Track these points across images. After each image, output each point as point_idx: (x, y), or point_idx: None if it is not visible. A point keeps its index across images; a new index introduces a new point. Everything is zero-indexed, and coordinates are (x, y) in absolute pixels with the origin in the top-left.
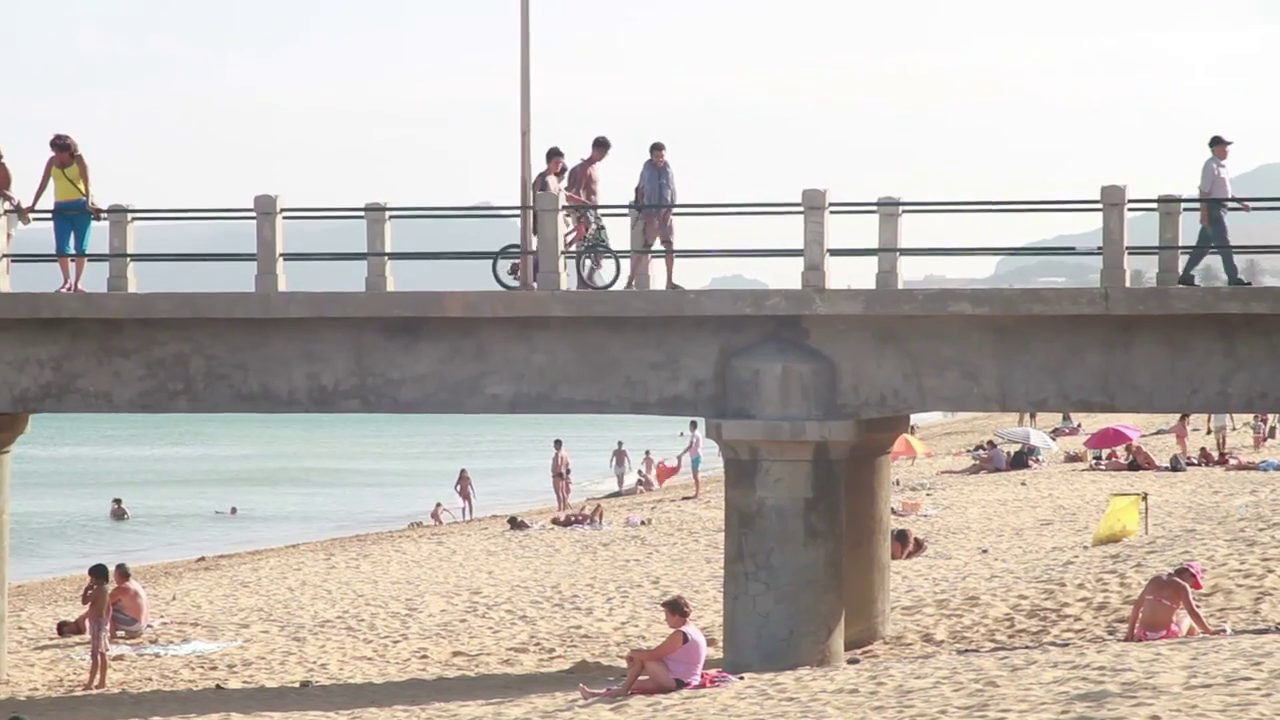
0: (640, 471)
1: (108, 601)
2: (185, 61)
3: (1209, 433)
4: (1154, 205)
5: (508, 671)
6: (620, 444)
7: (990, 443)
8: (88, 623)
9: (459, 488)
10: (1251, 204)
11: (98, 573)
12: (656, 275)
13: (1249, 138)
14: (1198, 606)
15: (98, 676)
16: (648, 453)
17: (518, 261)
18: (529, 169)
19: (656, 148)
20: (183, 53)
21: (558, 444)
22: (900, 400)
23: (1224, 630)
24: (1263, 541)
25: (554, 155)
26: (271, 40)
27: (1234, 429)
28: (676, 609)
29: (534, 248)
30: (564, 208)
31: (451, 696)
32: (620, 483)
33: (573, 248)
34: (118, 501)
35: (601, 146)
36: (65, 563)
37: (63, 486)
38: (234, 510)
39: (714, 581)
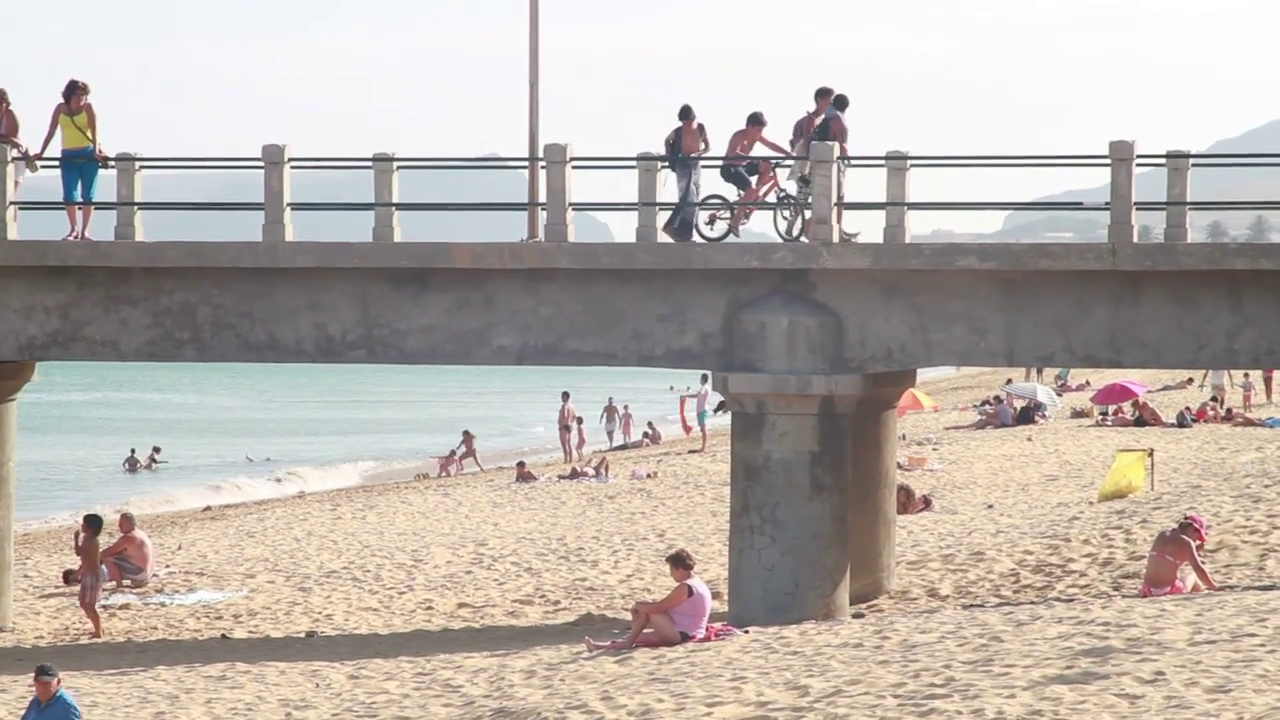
0: (649, 425)
1: (100, 553)
2: (191, 10)
3: (1201, 387)
4: (1162, 161)
5: (513, 623)
6: (610, 399)
7: (997, 398)
8: (83, 574)
9: (462, 446)
10: (1262, 160)
11: (91, 523)
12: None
13: (1256, 94)
14: (1203, 562)
15: (98, 626)
16: (626, 406)
17: (715, 211)
18: (537, 120)
19: (845, 101)
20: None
21: (565, 396)
22: (907, 354)
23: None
24: (1269, 498)
25: (687, 115)
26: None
27: (1232, 386)
28: (680, 562)
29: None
30: (658, 159)
31: (456, 648)
32: (610, 439)
33: (771, 197)
34: (156, 449)
35: (824, 96)
36: (72, 511)
37: (69, 433)
38: (263, 459)
39: (719, 535)
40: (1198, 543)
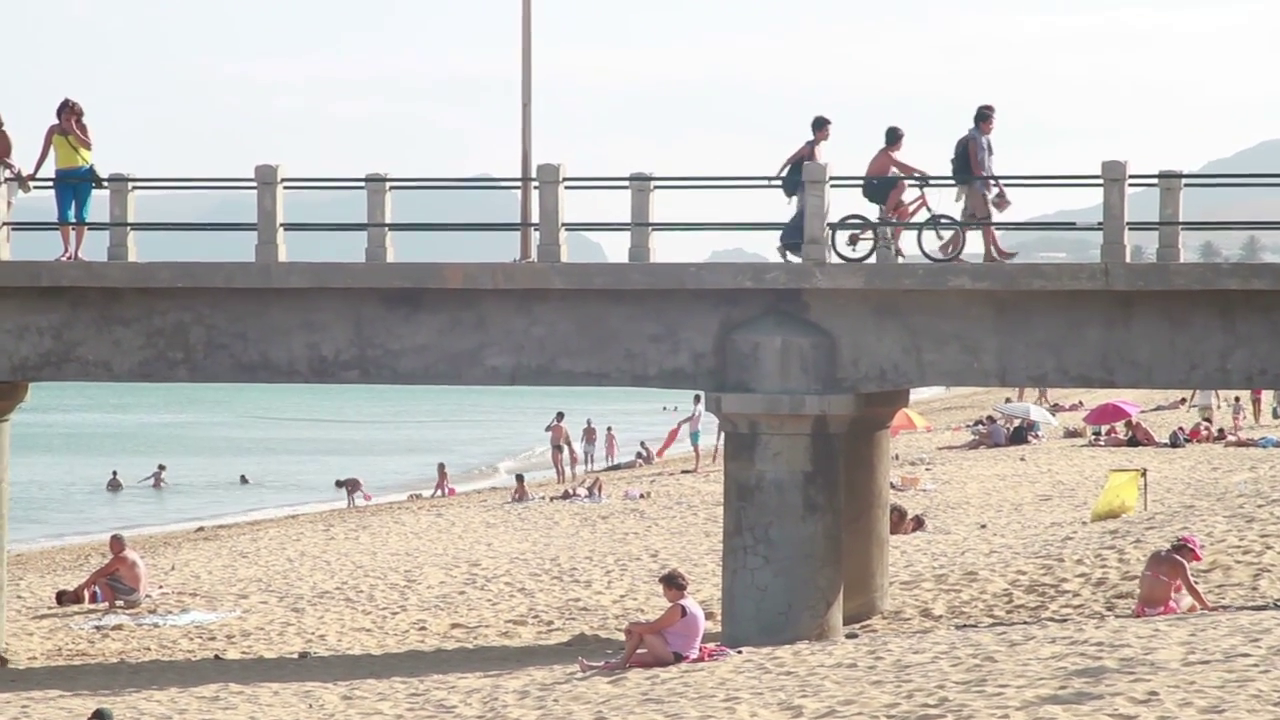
0: (642, 445)
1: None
2: (183, 31)
3: (1190, 409)
4: (1155, 181)
5: (506, 644)
6: (589, 421)
7: (990, 418)
8: None
9: (349, 493)
10: (1254, 180)
11: None
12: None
13: (1249, 114)
14: (1196, 582)
15: None
16: (609, 428)
17: (856, 232)
18: (530, 140)
19: (986, 116)
20: (180, 24)
21: (559, 416)
22: (900, 374)
23: (1224, 607)
24: (1261, 518)
25: (822, 124)
26: (273, 14)
27: (1219, 407)
28: (673, 583)
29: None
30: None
31: (450, 668)
32: (589, 460)
33: (918, 217)
34: (161, 467)
35: (992, 113)
36: (65, 531)
37: (63, 453)
38: (244, 479)
39: (713, 555)
40: (1192, 562)
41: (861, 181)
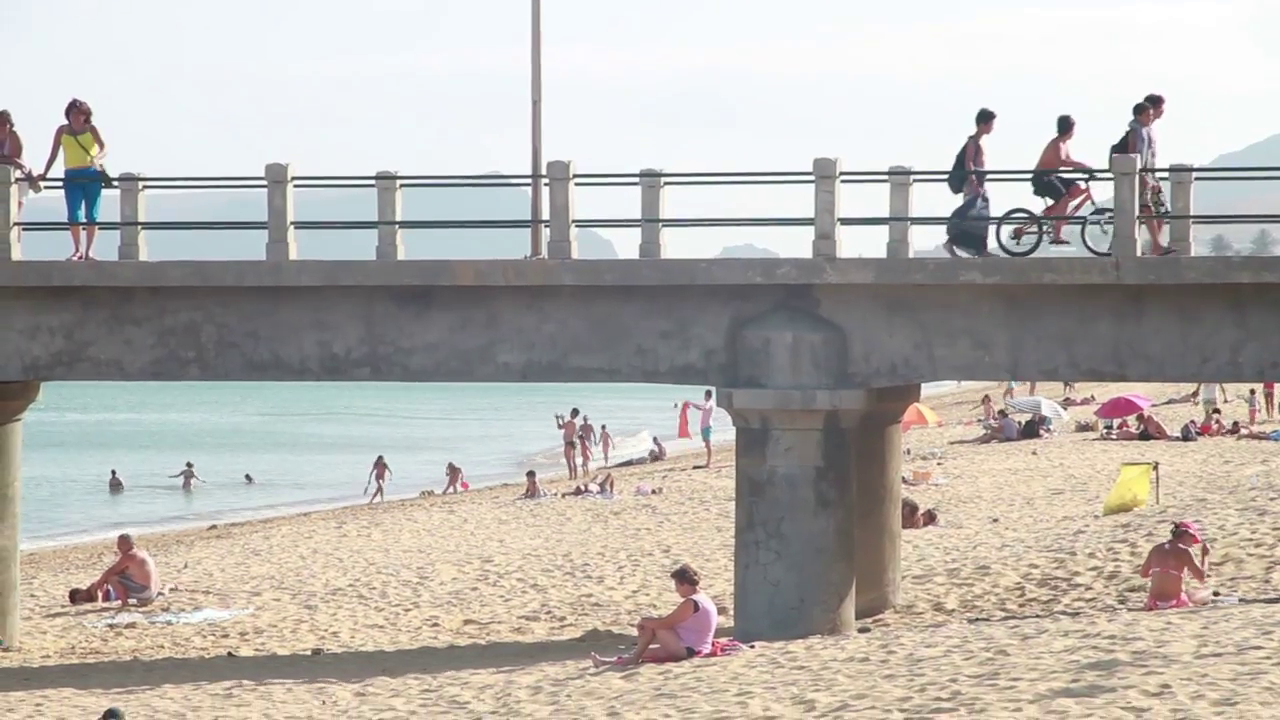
0: (654, 441)
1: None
2: (195, 28)
3: (1196, 404)
4: (1165, 175)
5: (519, 640)
6: (585, 418)
7: (1001, 412)
8: None
9: (375, 472)
10: (1264, 174)
11: None
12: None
13: (1259, 107)
14: (1209, 574)
15: None
16: (604, 427)
17: (1021, 226)
18: (540, 137)
19: (1144, 108)
20: (193, 20)
21: (574, 413)
22: (911, 369)
23: (1217, 594)
24: (1274, 511)
25: (987, 118)
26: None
27: (1225, 400)
28: (685, 578)
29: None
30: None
31: (463, 665)
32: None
33: (1083, 211)
34: (189, 465)
35: (1157, 104)
36: (77, 530)
37: (74, 450)
38: (249, 478)
39: (725, 550)
40: (1192, 546)
41: (1030, 175)
